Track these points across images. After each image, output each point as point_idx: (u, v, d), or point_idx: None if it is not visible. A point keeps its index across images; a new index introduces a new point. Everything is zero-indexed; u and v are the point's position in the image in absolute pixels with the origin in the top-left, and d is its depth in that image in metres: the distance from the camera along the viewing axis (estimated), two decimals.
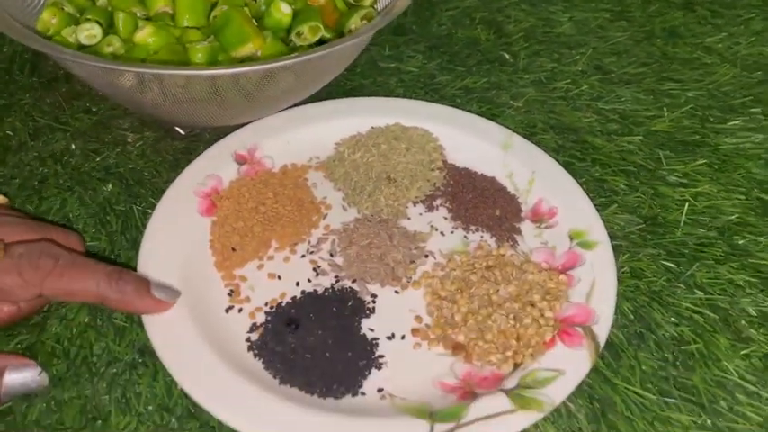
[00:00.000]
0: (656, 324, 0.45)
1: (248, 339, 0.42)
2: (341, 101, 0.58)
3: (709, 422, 0.40)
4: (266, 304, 0.44)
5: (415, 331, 0.43)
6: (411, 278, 0.47)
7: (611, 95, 0.63)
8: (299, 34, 0.56)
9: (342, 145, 0.55)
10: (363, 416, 0.38)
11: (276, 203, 0.50)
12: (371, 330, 0.43)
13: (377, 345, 0.43)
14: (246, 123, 0.55)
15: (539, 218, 0.50)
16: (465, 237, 0.50)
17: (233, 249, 0.47)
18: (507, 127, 0.56)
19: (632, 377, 0.42)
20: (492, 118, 0.59)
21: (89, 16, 0.54)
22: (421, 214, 0.51)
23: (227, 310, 0.44)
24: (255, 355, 0.41)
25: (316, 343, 0.42)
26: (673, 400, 0.41)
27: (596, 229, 0.48)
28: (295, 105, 0.57)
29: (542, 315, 0.43)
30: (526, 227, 0.50)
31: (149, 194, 0.51)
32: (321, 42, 0.57)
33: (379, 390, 0.40)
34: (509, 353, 0.41)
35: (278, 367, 0.40)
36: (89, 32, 0.53)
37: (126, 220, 0.49)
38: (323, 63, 0.52)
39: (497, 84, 0.64)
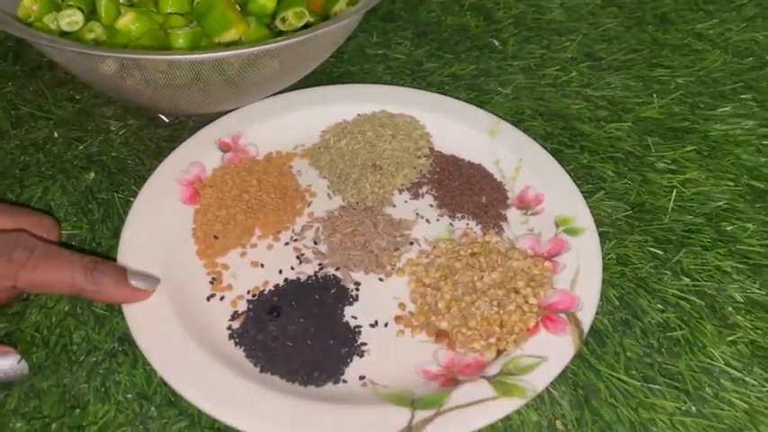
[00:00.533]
0: (642, 311, 0.45)
1: (230, 327, 0.42)
2: (327, 88, 0.57)
3: (693, 408, 0.40)
4: (248, 292, 0.44)
5: (398, 318, 0.43)
6: (395, 266, 0.46)
7: (600, 82, 0.62)
8: (283, 20, 0.55)
9: (327, 132, 0.55)
10: (344, 404, 0.38)
11: (260, 191, 0.49)
12: (354, 318, 0.43)
13: (359, 332, 0.42)
14: (231, 110, 0.54)
15: (525, 205, 0.50)
16: (451, 224, 0.49)
17: (215, 237, 0.47)
18: (495, 114, 0.55)
19: (617, 364, 0.42)
20: (480, 105, 0.58)
21: (71, 2, 0.53)
22: (406, 201, 0.51)
23: (208, 299, 0.43)
24: (237, 344, 0.41)
25: (297, 331, 0.41)
26: (657, 387, 0.41)
27: (582, 216, 0.47)
28: (280, 92, 0.56)
29: (526, 302, 0.42)
30: (512, 214, 0.50)
31: (132, 182, 0.51)
32: (307, 28, 0.56)
33: (361, 377, 0.40)
34: (492, 340, 0.41)
35: (259, 355, 0.40)
36: (70, 19, 0.52)
37: (108, 208, 0.49)
38: (307, 48, 0.51)
39: (486, 71, 0.63)
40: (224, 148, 0.52)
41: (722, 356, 0.42)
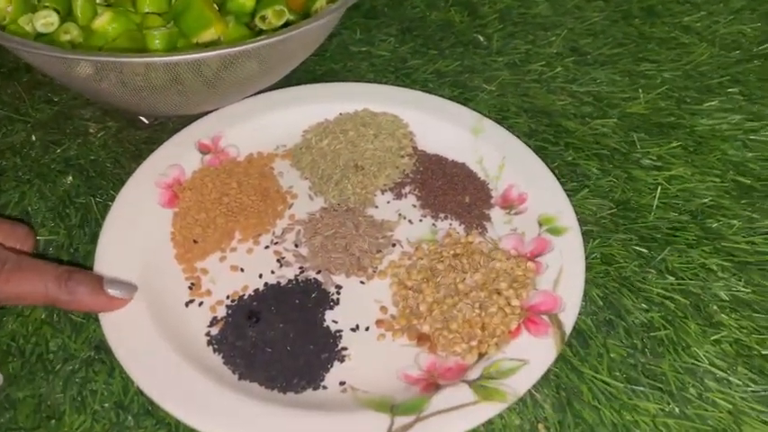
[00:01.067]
0: (626, 311, 0.44)
1: (208, 334, 0.41)
2: (308, 86, 0.57)
3: (677, 410, 0.39)
4: (228, 297, 0.44)
5: (379, 322, 0.43)
6: (377, 268, 0.46)
7: (585, 77, 0.62)
8: (263, 18, 0.54)
9: (309, 132, 0.54)
10: (323, 410, 0.37)
11: (240, 193, 0.49)
12: (335, 322, 0.42)
13: (340, 337, 0.42)
14: (212, 111, 0.54)
15: (508, 204, 0.50)
16: (433, 224, 0.49)
17: (195, 242, 0.46)
18: (478, 111, 0.55)
19: (600, 365, 0.41)
20: (464, 102, 0.58)
21: (46, 3, 0.52)
22: (389, 202, 0.50)
23: (186, 304, 0.43)
24: (215, 350, 0.40)
25: (277, 336, 0.41)
26: (640, 388, 0.40)
27: (566, 215, 0.47)
28: (261, 92, 0.55)
29: (508, 303, 0.42)
30: (496, 213, 0.49)
31: (110, 186, 0.50)
32: (287, 26, 0.55)
33: (341, 383, 0.39)
34: (474, 343, 0.40)
35: (237, 362, 0.40)
36: (46, 20, 0.51)
37: (85, 213, 0.48)
38: (287, 47, 0.50)
39: (470, 67, 0.63)
40: (203, 150, 0.51)
41: (706, 356, 0.42)
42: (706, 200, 0.51)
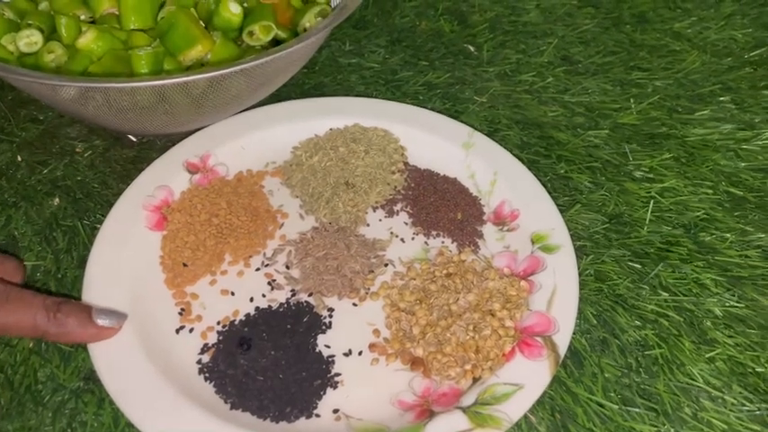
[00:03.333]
0: (620, 329, 0.44)
1: (199, 362, 0.41)
2: (297, 102, 0.56)
3: (672, 431, 0.39)
4: (218, 323, 0.43)
5: (372, 346, 0.42)
6: (369, 289, 0.45)
7: (577, 87, 0.61)
8: (250, 34, 0.53)
9: (299, 149, 0.53)
10: None
11: (230, 214, 0.48)
12: (328, 347, 0.42)
13: (333, 362, 0.41)
14: (200, 129, 0.53)
15: (501, 220, 0.49)
16: (426, 242, 0.48)
17: (184, 265, 0.45)
18: (469, 125, 0.54)
19: (594, 386, 0.41)
20: (456, 114, 0.58)
21: (30, 21, 0.52)
22: (381, 220, 0.50)
23: (177, 331, 0.42)
24: (206, 379, 0.40)
25: (268, 364, 0.40)
26: (635, 410, 0.40)
27: (559, 232, 0.46)
28: (249, 108, 0.55)
29: (502, 325, 0.42)
30: (488, 230, 0.49)
31: (98, 208, 0.49)
32: (275, 41, 0.55)
33: (335, 411, 0.39)
34: (468, 366, 0.40)
35: (229, 391, 0.39)
36: (29, 39, 0.51)
37: (73, 236, 0.48)
38: (275, 65, 0.50)
39: (461, 78, 0.62)
40: (192, 169, 0.51)
41: (701, 374, 0.42)
42: (699, 213, 0.51)
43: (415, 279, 0.45)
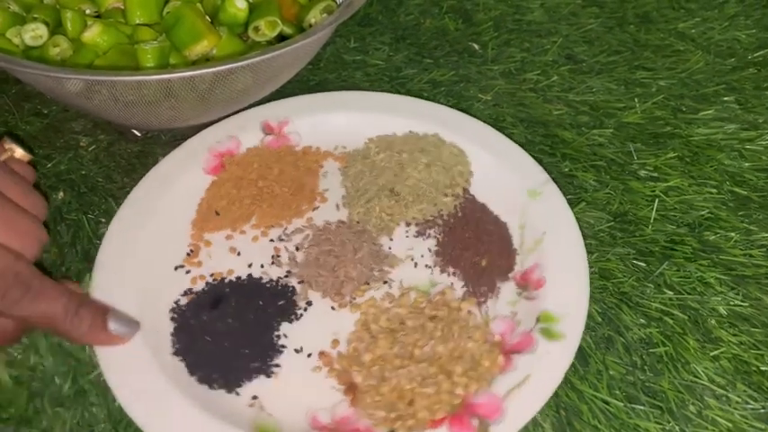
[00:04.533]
0: (625, 327, 0.44)
1: (177, 302, 0.43)
2: (390, 96, 0.55)
3: (677, 428, 0.39)
4: (211, 275, 0.45)
5: (322, 354, 0.41)
6: (355, 299, 0.44)
7: (581, 86, 0.61)
8: (256, 29, 0.53)
9: (372, 142, 0.53)
10: (219, 414, 0.37)
11: (276, 182, 0.50)
12: (285, 337, 0.42)
13: (279, 353, 0.41)
14: (276, 98, 0.54)
15: (525, 284, 0.45)
16: (433, 274, 0.46)
17: (216, 213, 0.48)
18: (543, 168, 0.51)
19: (599, 383, 0.41)
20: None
21: (35, 15, 0.52)
22: (407, 237, 0.48)
23: (176, 268, 0.45)
24: (171, 318, 0.42)
25: (223, 329, 0.41)
26: (640, 407, 0.40)
27: (571, 322, 0.41)
28: (338, 90, 0.57)
29: (451, 391, 0.38)
30: (507, 288, 0.45)
31: (102, 202, 0.49)
32: (281, 37, 0.54)
33: (254, 397, 0.39)
34: (392, 415, 0.37)
35: (180, 337, 0.41)
36: (35, 33, 0.51)
37: (77, 230, 0.47)
38: (281, 61, 0.50)
39: (466, 76, 0.62)
40: (267, 130, 0.53)
41: (705, 372, 0.42)
42: (703, 212, 0.51)
43: (400, 308, 0.43)
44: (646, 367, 0.42)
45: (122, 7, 0.53)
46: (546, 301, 0.42)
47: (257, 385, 0.40)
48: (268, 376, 0.40)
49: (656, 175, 0.54)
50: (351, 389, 0.39)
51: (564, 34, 0.67)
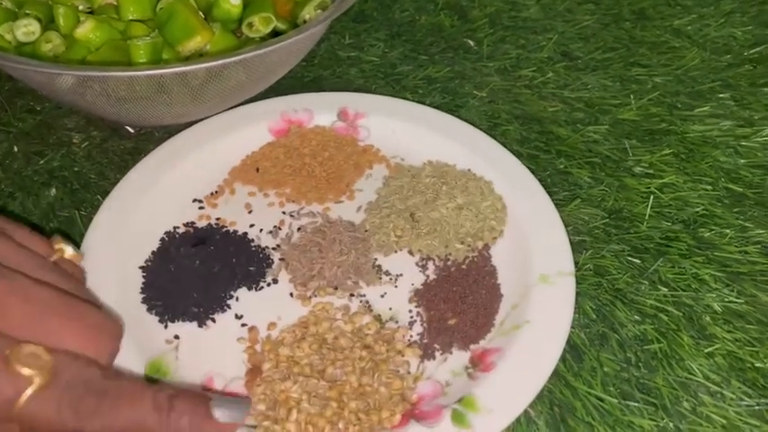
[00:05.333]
0: (620, 323, 0.44)
1: (175, 228, 0.47)
2: (471, 129, 0.53)
3: (671, 425, 0.39)
4: (216, 219, 0.48)
5: (252, 329, 0.42)
6: (315, 296, 0.44)
7: (577, 83, 0.61)
8: (250, 26, 0.53)
9: (430, 165, 0.51)
10: (134, 333, 0.39)
11: (320, 164, 0.51)
12: (236, 300, 0.44)
13: (222, 311, 0.43)
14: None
15: (477, 362, 0.41)
16: (405, 310, 0.44)
17: (257, 170, 0.51)
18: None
19: (593, 380, 0.41)
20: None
21: (28, 11, 0.51)
22: (403, 263, 0.46)
23: (194, 200, 0.49)
24: (161, 240, 0.46)
25: (189, 266, 0.44)
26: (635, 404, 0.40)
27: (489, 421, 0.37)
28: (428, 104, 0.57)
29: (332, 421, 0.37)
30: (459, 358, 0.41)
31: (94, 199, 0.49)
32: (275, 34, 0.54)
33: (176, 336, 0.41)
34: (268, 414, 0.37)
35: (155, 257, 0.45)
36: (27, 29, 0.50)
37: (70, 226, 0.47)
38: (275, 57, 0.49)
39: (461, 73, 0.62)
40: (342, 117, 0.54)
41: (700, 369, 0.42)
42: (698, 209, 0.51)
43: (346, 324, 0.42)
44: (640, 364, 0.42)
45: (115, 3, 0.53)
46: (481, 388, 0.38)
47: (185, 328, 0.42)
48: (199, 326, 0.42)
49: (651, 171, 0.54)
50: (254, 372, 0.40)
51: (559, 31, 0.67)
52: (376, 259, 0.46)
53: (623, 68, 0.63)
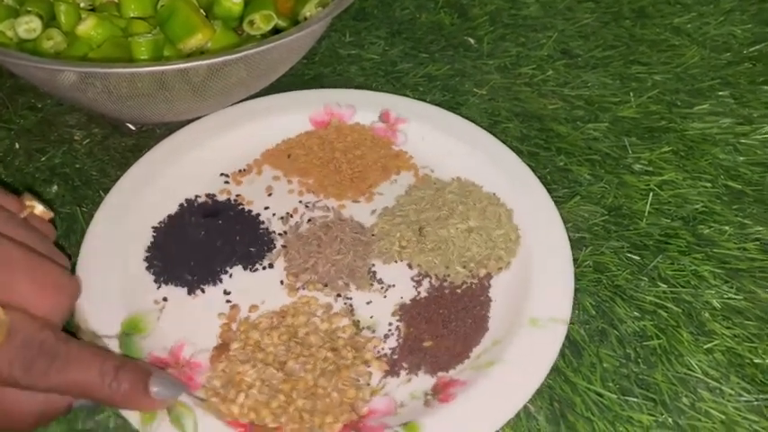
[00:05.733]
0: (619, 319, 0.44)
1: (196, 196, 0.49)
2: (514, 159, 0.51)
3: (670, 420, 0.39)
4: (236, 195, 0.49)
5: (234, 308, 0.43)
6: (303, 288, 0.44)
7: (577, 81, 0.61)
8: (251, 23, 0.53)
9: (457, 182, 0.50)
10: (127, 285, 0.42)
11: (349, 161, 0.51)
12: (230, 276, 0.45)
13: (213, 284, 0.44)
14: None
15: (438, 390, 0.40)
16: (385, 322, 0.43)
17: (288, 156, 0.52)
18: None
19: (593, 376, 0.41)
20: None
21: (29, 8, 0.51)
22: (400, 275, 0.45)
23: (221, 174, 0.50)
24: (180, 205, 0.48)
25: (194, 235, 0.45)
26: (634, 399, 0.40)
27: None
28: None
29: (274, 413, 0.37)
30: (423, 382, 0.40)
31: (96, 196, 0.49)
32: (276, 31, 0.54)
33: (164, 299, 0.43)
34: (219, 391, 0.38)
35: (169, 221, 0.47)
36: (28, 26, 0.50)
37: (71, 223, 0.47)
38: (276, 54, 0.50)
39: (461, 70, 0.62)
40: (383, 119, 0.54)
41: (699, 365, 0.42)
42: (698, 206, 0.51)
43: (322, 323, 0.42)
44: (639, 360, 0.42)
45: (116, 1, 0.53)
46: (430, 418, 0.37)
47: (175, 293, 0.43)
48: (188, 293, 0.43)
49: (650, 169, 0.54)
50: (222, 348, 0.40)
51: (559, 29, 0.67)
52: (373, 265, 0.46)
53: (623, 66, 0.63)
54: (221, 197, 0.49)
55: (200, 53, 0.51)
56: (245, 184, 0.50)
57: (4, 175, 0.50)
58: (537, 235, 0.46)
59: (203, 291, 0.44)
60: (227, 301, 0.43)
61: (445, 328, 0.42)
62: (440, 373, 0.40)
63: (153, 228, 0.46)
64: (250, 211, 0.48)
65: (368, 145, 0.53)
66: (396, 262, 0.46)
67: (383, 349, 0.41)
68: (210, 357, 0.40)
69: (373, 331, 0.42)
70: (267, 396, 0.38)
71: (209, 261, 0.45)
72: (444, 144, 0.52)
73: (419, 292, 0.44)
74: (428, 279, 0.45)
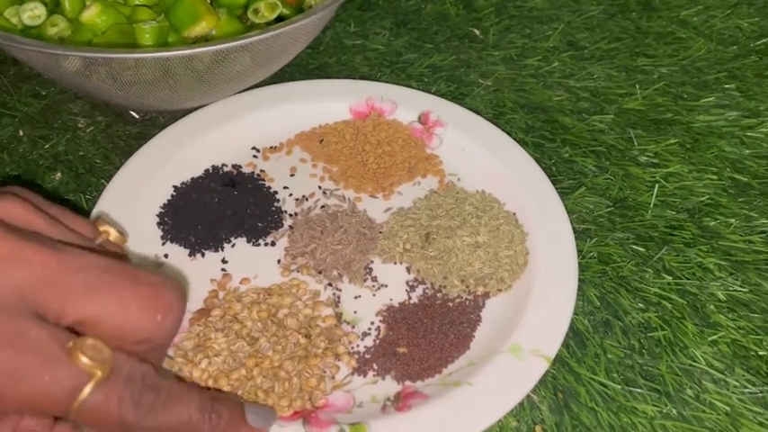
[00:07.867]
0: (624, 311, 0.44)
1: (223, 164, 0.50)
2: (546, 184, 0.48)
3: (674, 411, 0.39)
4: (260, 170, 0.50)
5: (226, 277, 0.44)
6: (296, 271, 0.44)
7: (582, 72, 0.61)
8: (255, 11, 0.53)
9: (479, 195, 0.49)
10: (134, 236, 0.42)
11: (377, 156, 0.52)
12: (232, 247, 0.46)
13: (215, 251, 0.45)
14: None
15: (399, 398, 0.39)
16: (368, 321, 0.42)
17: (320, 141, 0.52)
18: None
19: (597, 366, 0.41)
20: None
21: None
22: (397, 277, 0.44)
23: (252, 147, 0.52)
24: (205, 171, 0.49)
25: (209, 202, 0.47)
26: (638, 390, 0.40)
27: None
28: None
29: (230, 384, 0.37)
30: (388, 387, 0.39)
31: (99, 183, 0.49)
32: (280, 20, 0.54)
33: (165, 255, 0.44)
34: (188, 354, 0.39)
35: (192, 182, 0.48)
36: (33, 12, 0.50)
37: (75, 210, 0.47)
38: (280, 42, 0.49)
39: (466, 61, 0.62)
40: (422, 120, 0.54)
41: (703, 357, 0.42)
42: (703, 198, 0.51)
43: (304, 308, 0.42)
44: (644, 351, 0.42)
45: None
46: (379, 423, 0.36)
47: (177, 253, 0.45)
48: (189, 255, 0.45)
49: (656, 161, 0.53)
50: (203, 313, 0.41)
51: (565, 21, 0.67)
52: (372, 262, 0.45)
53: (629, 58, 0.63)
54: (246, 170, 0.50)
55: (205, 41, 0.51)
56: (272, 160, 0.51)
57: (9, 163, 0.50)
58: (546, 265, 0.44)
59: (203, 255, 0.45)
60: (222, 270, 0.44)
61: (424, 338, 0.41)
62: (407, 383, 0.39)
63: (174, 187, 0.48)
64: (269, 187, 0.49)
65: (401, 143, 0.52)
66: (395, 263, 0.45)
67: (357, 346, 0.41)
68: (190, 319, 0.41)
69: (353, 327, 0.42)
70: (229, 367, 0.38)
71: (215, 228, 0.46)
72: (478, 154, 0.51)
73: (410, 297, 0.44)
74: (423, 286, 0.44)
